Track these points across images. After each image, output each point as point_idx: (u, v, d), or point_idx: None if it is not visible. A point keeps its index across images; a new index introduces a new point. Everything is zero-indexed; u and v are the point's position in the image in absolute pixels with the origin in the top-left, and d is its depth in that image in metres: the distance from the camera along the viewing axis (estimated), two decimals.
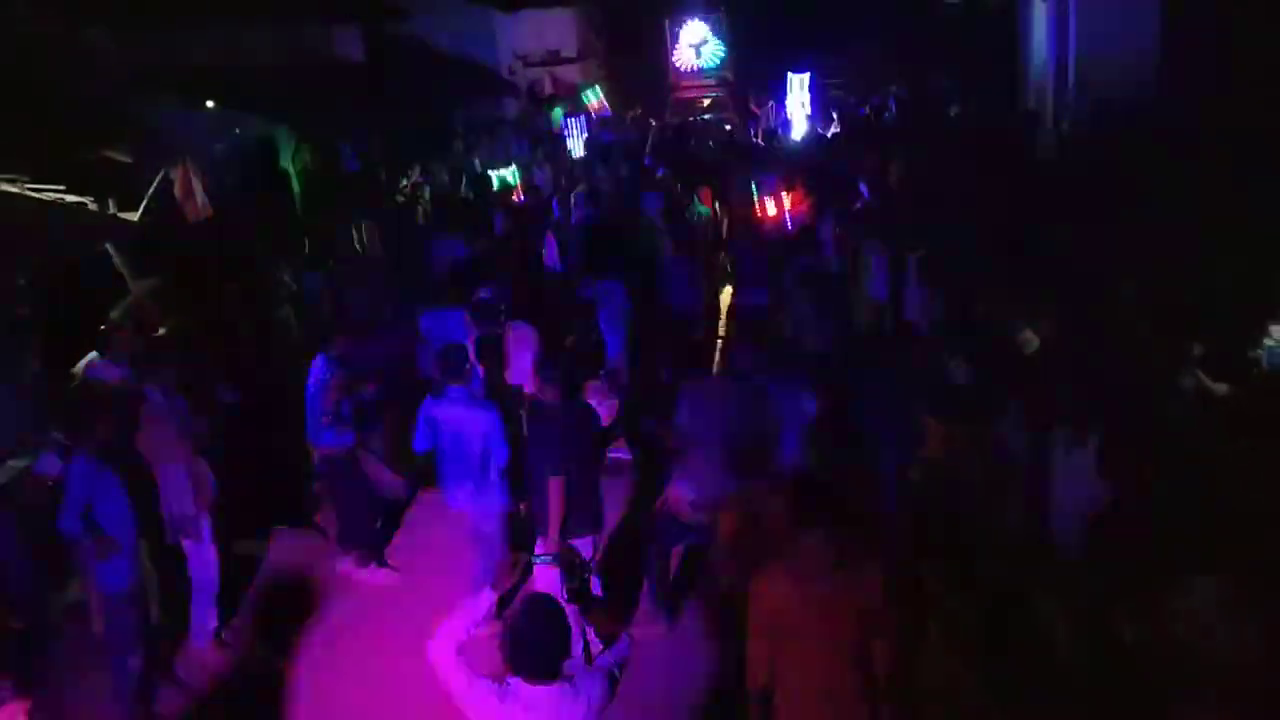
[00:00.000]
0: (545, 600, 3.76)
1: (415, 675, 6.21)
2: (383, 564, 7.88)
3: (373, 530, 7.97)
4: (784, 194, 11.73)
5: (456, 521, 7.30)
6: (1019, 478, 5.24)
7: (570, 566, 4.02)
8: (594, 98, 20.94)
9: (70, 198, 8.28)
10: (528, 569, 4.02)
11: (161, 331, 8.09)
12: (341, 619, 7.34)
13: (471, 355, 7.47)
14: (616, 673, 3.88)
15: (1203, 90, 10.60)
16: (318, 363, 7.54)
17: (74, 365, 7.78)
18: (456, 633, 3.91)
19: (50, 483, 6.50)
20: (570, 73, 23.17)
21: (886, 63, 22.28)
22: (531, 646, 3.64)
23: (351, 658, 6.86)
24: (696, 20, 25.36)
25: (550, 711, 3.68)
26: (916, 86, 20.16)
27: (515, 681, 3.72)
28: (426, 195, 14.79)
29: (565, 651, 3.73)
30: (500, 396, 7.28)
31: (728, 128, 21.12)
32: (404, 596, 7.45)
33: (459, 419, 6.69)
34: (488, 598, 3.97)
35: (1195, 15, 11.23)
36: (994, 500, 5.17)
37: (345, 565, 7.83)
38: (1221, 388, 6.56)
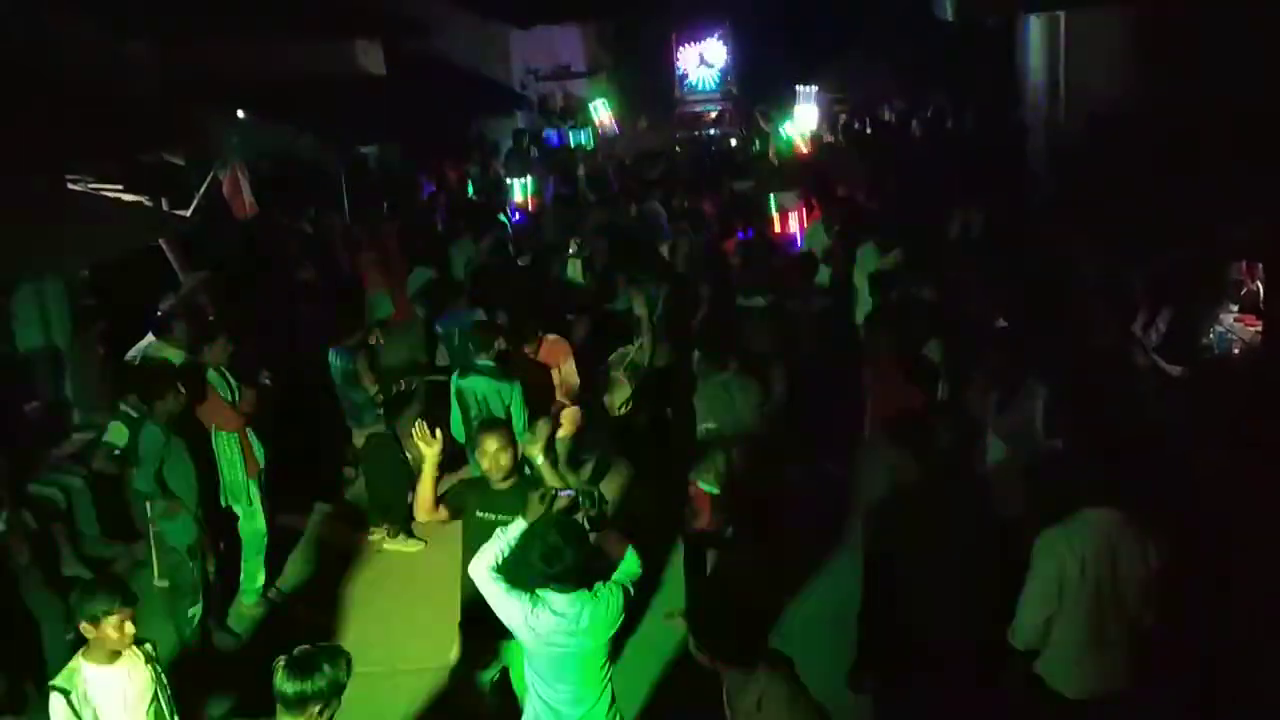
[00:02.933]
0: (571, 520, 4.47)
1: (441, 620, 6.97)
2: (411, 535, 8.54)
3: (404, 504, 8.65)
4: (801, 210, 12.25)
5: None
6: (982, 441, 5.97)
7: (589, 497, 4.72)
8: (600, 112, 21.44)
9: (128, 196, 8.99)
10: (553, 501, 4.70)
11: (210, 318, 8.74)
12: (374, 579, 8.06)
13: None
14: (630, 588, 4.56)
15: (1177, 101, 11.29)
16: (338, 353, 8.19)
17: (129, 348, 8.49)
18: (493, 553, 4.60)
19: (118, 451, 7.16)
20: (580, 87, 23.81)
21: (886, 78, 22.85)
22: (560, 559, 4.33)
23: (383, 610, 7.58)
24: (702, 36, 25.85)
25: (576, 617, 4.35)
26: (916, 101, 20.78)
27: (546, 592, 4.39)
28: (442, 200, 15.54)
29: (588, 565, 4.42)
30: (522, 371, 7.86)
31: (733, 142, 21.54)
32: (430, 560, 8.11)
33: (484, 391, 7.33)
34: (518, 525, 4.66)
35: (1171, 34, 11.90)
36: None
37: (377, 535, 8.51)
38: (1175, 370, 7.28)
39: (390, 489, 8.50)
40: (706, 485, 6.73)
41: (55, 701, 4.27)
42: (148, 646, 4.65)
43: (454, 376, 7.69)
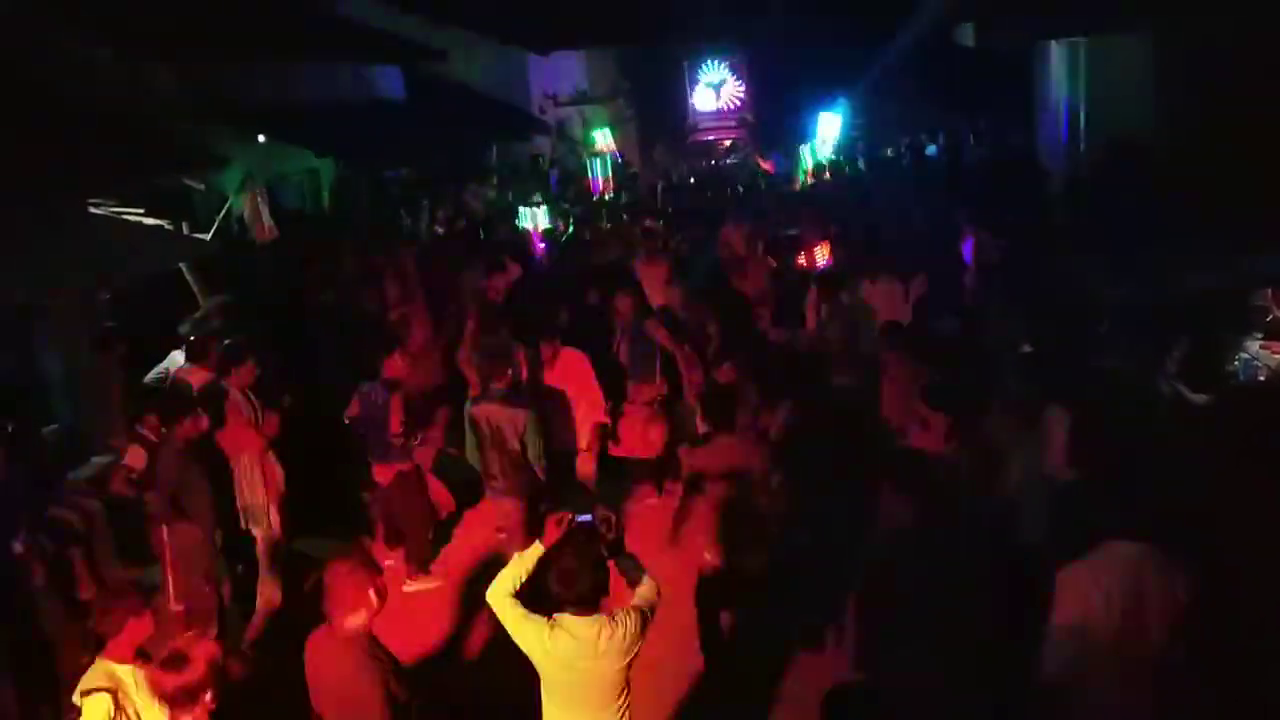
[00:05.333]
0: (588, 545, 4.45)
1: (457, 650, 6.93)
2: (427, 570, 8.25)
3: (424, 541, 8.37)
4: (820, 246, 11.92)
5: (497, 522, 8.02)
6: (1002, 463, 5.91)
7: (606, 523, 4.70)
8: (600, 140, 21.32)
9: (149, 220, 9.04)
10: (571, 525, 4.69)
11: (228, 341, 8.73)
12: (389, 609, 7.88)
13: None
14: (648, 613, 4.52)
15: (1198, 127, 11.29)
16: (373, 386, 7.95)
17: (148, 370, 8.52)
18: (511, 579, 4.58)
19: (136, 474, 7.16)
20: (597, 112, 23.88)
21: (904, 104, 22.86)
22: (577, 583, 4.31)
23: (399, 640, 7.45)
24: (716, 62, 25.74)
25: (593, 641, 4.32)
26: (934, 128, 20.77)
27: (563, 616, 4.37)
28: (461, 225, 15.57)
29: (605, 589, 4.39)
30: (538, 396, 7.85)
31: (755, 173, 21.24)
32: (447, 592, 8.04)
33: (498, 416, 7.31)
34: (536, 550, 4.64)
35: (1193, 60, 11.90)
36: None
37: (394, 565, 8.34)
38: (1200, 398, 7.20)
39: (413, 526, 8.30)
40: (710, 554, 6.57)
41: (99, 703, 4.30)
42: None
43: (467, 403, 7.66)
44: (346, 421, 8.05)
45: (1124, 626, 4.35)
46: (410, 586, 8.12)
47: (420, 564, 8.24)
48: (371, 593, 4.38)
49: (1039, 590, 4.65)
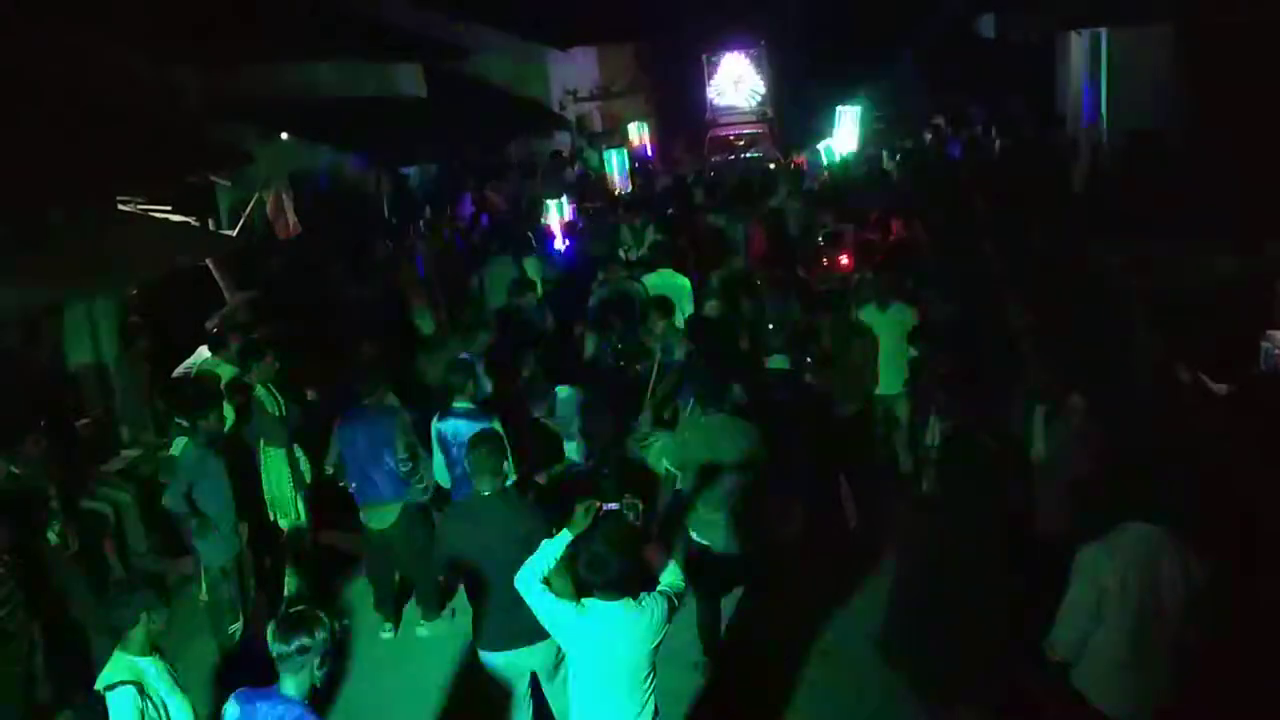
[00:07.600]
0: (616, 530, 4.52)
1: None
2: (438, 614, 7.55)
3: (433, 584, 7.54)
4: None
5: None
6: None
7: (633, 511, 4.77)
8: (636, 134, 21.31)
9: (176, 217, 9.15)
10: (599, 512, 4.75)
11: (254, 335, 8.83)
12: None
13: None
14: (675, 600, 4.59)
15: (1216, 115, 11.26)
16: (391, 416, 7.21)
17: (175, 365, 8.63)
18: (540, 566, 4.66)
19: None
20: (618, 107, 23.87)
21: (926, 95, 22.76)
22: (606, 567, 4.38)
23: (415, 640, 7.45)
24: (735, 55, 25.57)
25: (621, 624, 4.40)
26: (958, 119, 20.61)
27: (591, 601, 4.45)
28: (482, 220, 15.63)
29: (632, 574, 4.46)
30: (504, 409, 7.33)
31: (771, 166, 21.03)
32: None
33: (462, 432, 6.78)
34: (565, 538, 4.71)
35: (1214, 49, 11.86)
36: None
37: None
38: (1221, 388, 7.20)
39: (420, 569, 7.45)
40: (699, 536, 6.48)
41: (125, 695, 4.34)
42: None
43: (434, 419, 7.18)
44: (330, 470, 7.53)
45: (1139, 608, 4.39)
46: (424, 630, 7.50)
47: (435, 608, 7.51)
48: None
49: (1058, 572, 4.71)
